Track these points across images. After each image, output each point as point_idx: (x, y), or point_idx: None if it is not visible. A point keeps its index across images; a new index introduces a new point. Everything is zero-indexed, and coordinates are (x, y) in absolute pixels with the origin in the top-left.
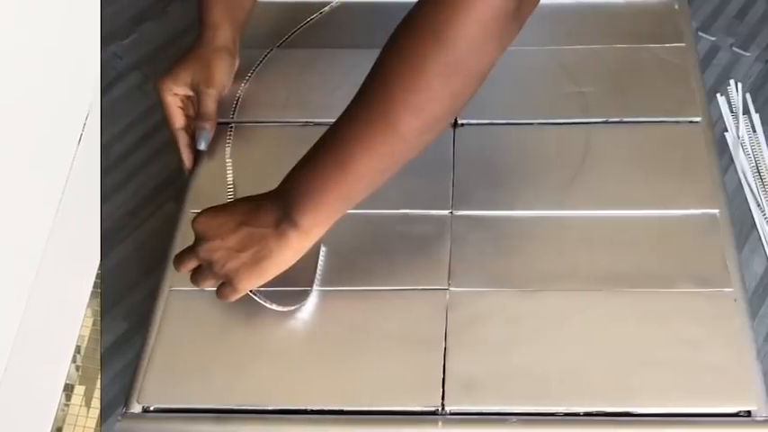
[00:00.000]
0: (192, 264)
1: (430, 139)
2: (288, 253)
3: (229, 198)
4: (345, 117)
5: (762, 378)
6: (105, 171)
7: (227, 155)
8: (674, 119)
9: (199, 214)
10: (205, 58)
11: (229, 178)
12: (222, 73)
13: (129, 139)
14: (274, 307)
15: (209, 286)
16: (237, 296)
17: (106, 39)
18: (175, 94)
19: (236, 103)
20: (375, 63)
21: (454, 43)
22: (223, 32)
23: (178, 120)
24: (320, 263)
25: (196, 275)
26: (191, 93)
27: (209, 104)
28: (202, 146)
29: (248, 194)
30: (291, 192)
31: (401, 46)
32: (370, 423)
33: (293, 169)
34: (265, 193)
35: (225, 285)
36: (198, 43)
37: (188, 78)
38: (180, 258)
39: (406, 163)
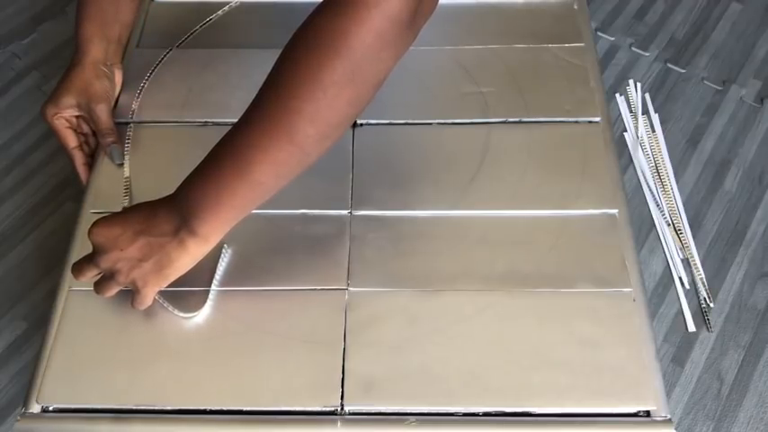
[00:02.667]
0: (91, 273)
1: (327, 146)
2: (187, 259)
3: (125, 198)
4: (242, 124)
5: (661, 378)
6: (4, 171)
7: (126, 155)
8: (574, 119)
9: (94, 225)
10: (82, 76)
11: (126, 175)
12: (104, 86)
13: (27, 139)
14: (178, 313)
15: (112, 294)
16: (147, 303)
17: (5, 39)
18: (61, 117)
19: (136, 103)
20: (272, 70)
21: (350, 52)
22: (95, 48)
23: (71, 140)
24: (223, 262)
25: (99, 285)
26: (78, 113)
27: (105, 118)
28: (118, 159)
29: (147, 194)
30: (188, 199)
31: (297, 54)
32: (270, 423)
33: (190, 176)
34: (160, 200)
35: (134, 295)
36: (72, 63)
37: (72, 100)
38: (79, 268)
39: (304, 169)
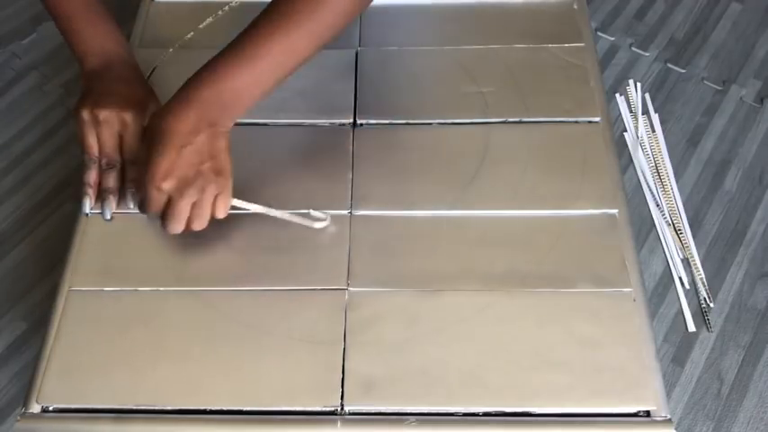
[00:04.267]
0: (185, 213)
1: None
2: (226, 144)
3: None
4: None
5: (661, 378)
6: (4, 171)
7: None
8: (574, 119)
9: (154, 181)
10: (143, 85)
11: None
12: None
13: (27, 139)
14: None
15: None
16: (228, 206)
17: (5, 39)
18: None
19: None
20: None
21: None
22: (134, 58)
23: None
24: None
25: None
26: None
27: None
28: None
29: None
30: (217, 93)
31: None
32: (270, 423)
33: (211, 75)
34: (176, 108)
35: (216, 205)
36: (125, 70)
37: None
38: (173, 215)
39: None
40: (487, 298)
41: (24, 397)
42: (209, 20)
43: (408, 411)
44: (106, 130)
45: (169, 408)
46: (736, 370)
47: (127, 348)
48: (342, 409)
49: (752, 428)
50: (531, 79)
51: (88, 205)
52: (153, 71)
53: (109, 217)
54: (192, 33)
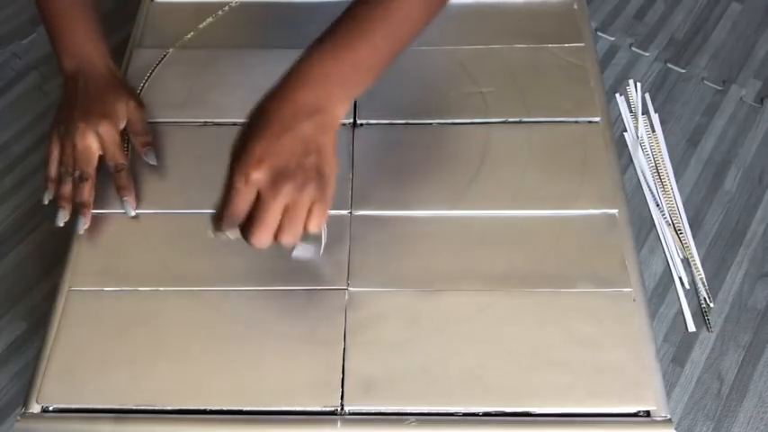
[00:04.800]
0: (248, 200)
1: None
2: (333, 136)
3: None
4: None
5: (661, 378)
6: (4, 171)
7: (127, 154)
8: (574, 119)
9: (244, 171)
10: (120, 87)
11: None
12: (132, 88)
13: (27, 139)
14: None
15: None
16: (330, 201)
17: (5, 39)
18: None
19: None
20: None
21: None
22: (106, 53)
23: (123, 156)
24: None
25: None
26: (122, 124)
27: (144, 121)
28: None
29: (148, 194)
30: (324, 78)
31: None
32: (270, 423)
33: (312, 61)
34: (276, 99)
35: (315, 205)
36: (99, 78)
37: (123, 110)
38: (233, 202)
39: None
40: (487, 298)
41: (24, 397)
42: (210, 20)
43: (408, 411)
44: (80, 143)
45: (169, 408)
46: (736, 370)
47: (127, 348)
48: (342, 409)
49: (752, 428)
50: (531, 79)
51: (62, 219)
52: (153, 71)
53: (82, 231)
54: (192, 33)
